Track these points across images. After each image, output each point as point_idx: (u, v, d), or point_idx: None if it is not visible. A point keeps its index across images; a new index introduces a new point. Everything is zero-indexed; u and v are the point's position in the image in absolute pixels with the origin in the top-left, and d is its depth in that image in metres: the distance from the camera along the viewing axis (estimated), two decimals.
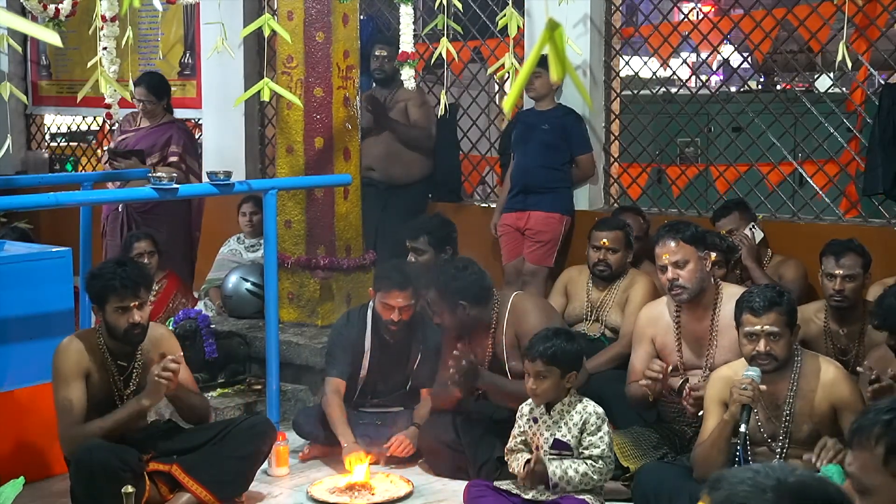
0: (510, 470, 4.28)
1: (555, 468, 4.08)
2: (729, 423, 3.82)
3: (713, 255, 4.58)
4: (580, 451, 4.13)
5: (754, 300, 3.87)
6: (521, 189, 6.31)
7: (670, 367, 4.42)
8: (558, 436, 4.15)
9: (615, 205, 6.53)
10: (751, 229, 5.42)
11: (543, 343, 4.16)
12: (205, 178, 5.75)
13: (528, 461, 4.12)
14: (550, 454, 4.14)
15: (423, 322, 5.16)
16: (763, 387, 3.80)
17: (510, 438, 4.31)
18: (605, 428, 4.16)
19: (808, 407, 3.86)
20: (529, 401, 4.31)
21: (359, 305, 5.41)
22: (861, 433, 2.10)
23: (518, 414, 4.33)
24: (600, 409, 4.19)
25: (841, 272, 4.62)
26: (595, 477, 4.09)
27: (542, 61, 5.00)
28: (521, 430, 4.27)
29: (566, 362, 4.15)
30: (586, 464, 4.08)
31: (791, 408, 3.88)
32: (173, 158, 6.66)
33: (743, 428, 3.77)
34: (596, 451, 4.10)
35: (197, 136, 8.64)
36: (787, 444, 3.90)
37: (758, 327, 3.83)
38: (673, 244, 4.41)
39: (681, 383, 4.41)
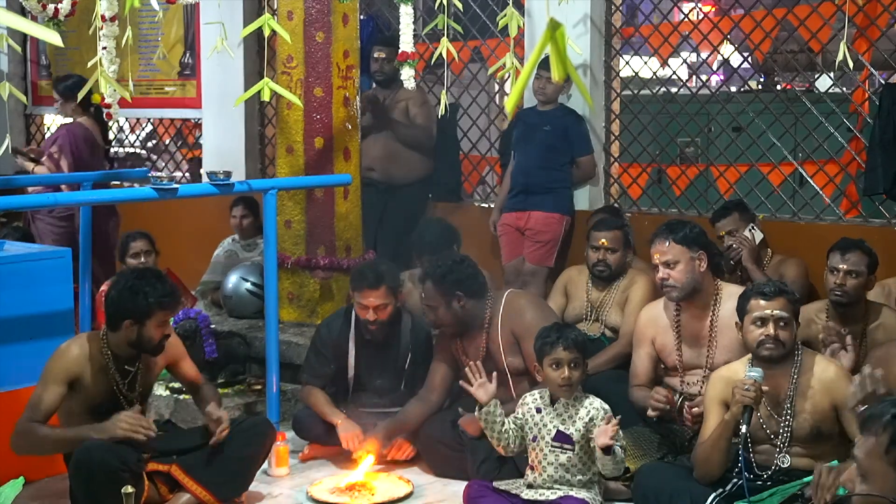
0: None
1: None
2: (730, 424, 3.82)
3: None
4: (590, 445, 4.14)
5: (763, 287, 3.94)
6: (522, 189, 6.31)
7: (675, 385, 4.46)
8: (561, 428, 4.17)
9: (615, 205, 6.54)
10: (750, 230, 5.42)
11: (568, 332, 4.24)
12: (204, 178, 5.75)
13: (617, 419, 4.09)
14: (553, 445, 4.16)
15: (409, 320, 5.19)
16: (765, 388, 3.81)
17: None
18: (614, 421, 4.16)
19: (810, 405, 3.87)
20: (533, 392, 4.33)
21: (342, 307, 5.43)
22: (871, 420, 2.17)
23: (520, 402, 4.34)
24: (606, 405, 4.21)
25: (844, 267, 4.63)
26: (623, 464, 4.12)
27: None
28: (520, 418, 4.27)
29: (586, 352, 4.26)
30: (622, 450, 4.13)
31: (792, 405, 3.88)
32: (45, 156, 6.90)
33: (744, 429, 3.77)
34: (617, 444, 4.11)
35: (197, 136, 8.66)
36: (789, 441, 3.90)
37: (768, 311, 3.87)
38: (665, 244, 4.46)
39: (679, 400, 4.43)
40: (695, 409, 4.26)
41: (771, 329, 3.85)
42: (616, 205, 6.56)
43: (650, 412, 4.38)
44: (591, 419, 4.17)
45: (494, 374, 4.30)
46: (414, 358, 5.14)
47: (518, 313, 4.80)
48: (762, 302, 3.89)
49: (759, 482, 3.86)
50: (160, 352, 4.40)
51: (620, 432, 4.12)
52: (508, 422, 4.25)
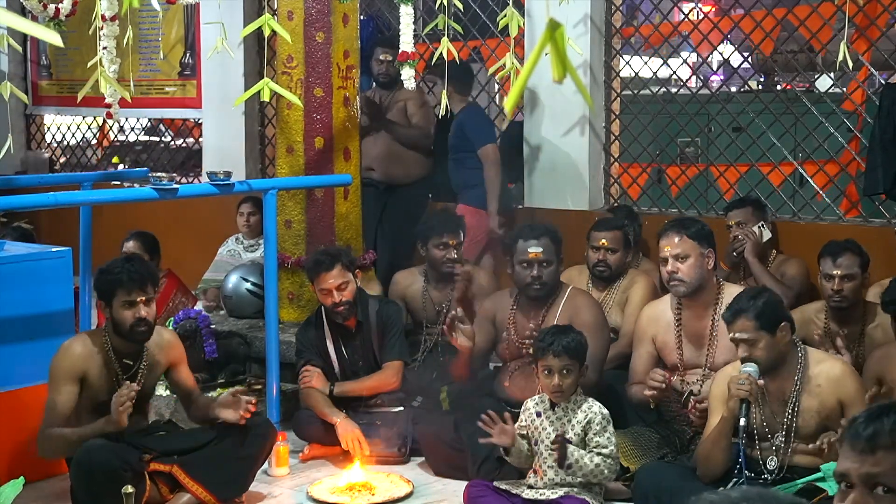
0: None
1: (572, 450, 4.10)
2: (729, 420, 3.83)
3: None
4: (587, 450, 4.14)
5: (725, 311, 3.96)
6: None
7: (673, 376, 4.45)
8: (560, 432, 4.17)
9: (615, 205, 6.54)
10: (759, 227, 5.43)
11: (562, 338, 4.21)
12: (205, 178, 5.76)
13: (557, 437, 4.11)
14: (552, 449, 4.15)
15: (377, 304, 5.29)
16: (761, 381, 3.81)
17: None
18: (611, 428, 4.17)
19: (816, 403, 3.86)
20: (534, 396, 4.33)
21: (310, 315, 5.46)
22: (882, 436, 2.05)
23: (522, 408, 4.35)
24: (605, 410, 4.20)
25: (839, 272, 4.63)
26: (605, 472, 4.11)
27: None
28: (524, 424, 4.29)
29: (583, 356, 4.24)
30: (599, 457, 4.10)
31: (796, 403, 3.88)
32: None
33: (742, 422, 3.77)
34: (605, 451, 4.12)
35: (197, 136, 8.66)
36: (793, 439, 3.89)
37: (731, 334, 3.91)
38: (676, 238, 4.48)
39: (685, 395, 4.42)
40: (700, 405, 4.24)
41: (741, 351, 3.88)
42: (616, 204, 6.56)
43: (647, 391, 4.34)
44: (589, 422, 4.16)
45: (507, 414, 4.28)
46: (381, 341, 5.20)
47: (581, 309, 4.81)
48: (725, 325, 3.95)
49: (762, 480, 3.87)
50: (142, 338, 4.37)
51: (612, 437, 4.15)
52: (519, 439, 4.26)
